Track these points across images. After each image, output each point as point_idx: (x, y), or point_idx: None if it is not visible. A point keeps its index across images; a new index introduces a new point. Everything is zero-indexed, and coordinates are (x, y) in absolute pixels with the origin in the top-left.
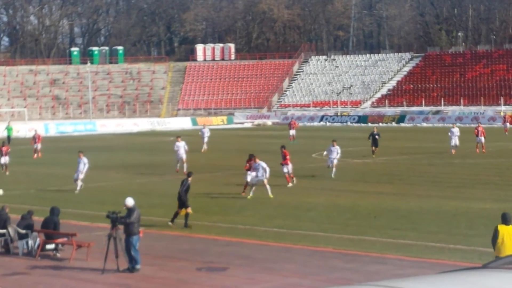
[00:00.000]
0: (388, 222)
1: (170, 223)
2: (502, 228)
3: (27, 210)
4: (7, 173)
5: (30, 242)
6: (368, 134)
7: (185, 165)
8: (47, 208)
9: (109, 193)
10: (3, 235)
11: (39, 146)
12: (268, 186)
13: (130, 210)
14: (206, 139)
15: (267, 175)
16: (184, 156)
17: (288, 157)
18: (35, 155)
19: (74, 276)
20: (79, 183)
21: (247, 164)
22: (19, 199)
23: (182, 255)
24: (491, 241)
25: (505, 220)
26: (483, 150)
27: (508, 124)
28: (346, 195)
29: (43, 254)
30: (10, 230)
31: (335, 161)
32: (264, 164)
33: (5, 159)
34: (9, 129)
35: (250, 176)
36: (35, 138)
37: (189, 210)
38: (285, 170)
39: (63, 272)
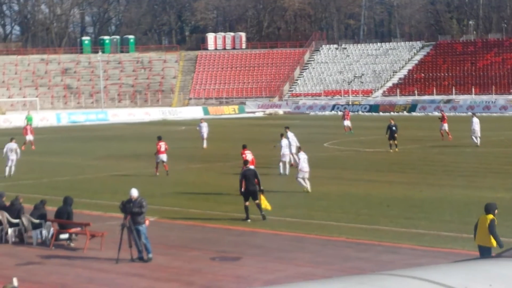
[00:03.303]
0: (401, 211)
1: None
2: (481, 217)
3: (40, 200)
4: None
5: (44, 231)
6: (385, 126)
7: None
8: (59, 198)
9: (121, 183)
10: (17, 225)
11: (32, 137)
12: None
13: (136, 200)
14: (205, 135)
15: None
16: (294, 150)
17: (158, 149)
18: (31, 146)
19: (88, 266)
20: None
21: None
22: (31, 189)
23: (195, 244)
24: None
25: (486, 210)
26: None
27: None
28: (358, 184)
29: (57, 244)
30: (24, 220)
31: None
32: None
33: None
34: (29, 118)
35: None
36: (26, 129)
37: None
38: (160, 159)
39: (77, 262)
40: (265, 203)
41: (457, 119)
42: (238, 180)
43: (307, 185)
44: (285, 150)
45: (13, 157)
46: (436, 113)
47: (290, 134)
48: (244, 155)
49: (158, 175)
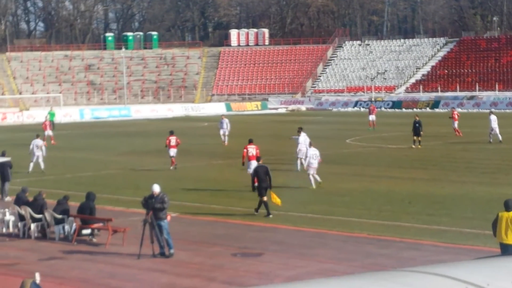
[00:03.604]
0: (423, 208)
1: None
2: (502, 214)
3: (63, 195)
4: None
5: (66, 227)
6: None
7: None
8: (82, 193)
9: (143, 179)
10: (39, 220)
11: (50, 132)
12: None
13: (158, 196)
14: (226, 132)
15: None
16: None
17: (167, 143)
18: (52, 141)
19: (110, 261)
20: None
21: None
22: (54, 184)
23: (217, 240)
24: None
25: (506, 207)
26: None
27: None
28: (380, 180)
29: (79, 239)
30: (47, 215)
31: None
32: (317, 152)
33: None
34: (51, 114)
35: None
36: (46, 125)
37: (265, 198)
38: (171, 154)
39: (99, 257)
40: (275, 198)
41: (480, 116)
42: None
43: (317, 178)
44: (302, 147)
45: (38, 153)
46: (460, 110)
47: (303, 135)
48: (245, 150)
49: (176, 169)
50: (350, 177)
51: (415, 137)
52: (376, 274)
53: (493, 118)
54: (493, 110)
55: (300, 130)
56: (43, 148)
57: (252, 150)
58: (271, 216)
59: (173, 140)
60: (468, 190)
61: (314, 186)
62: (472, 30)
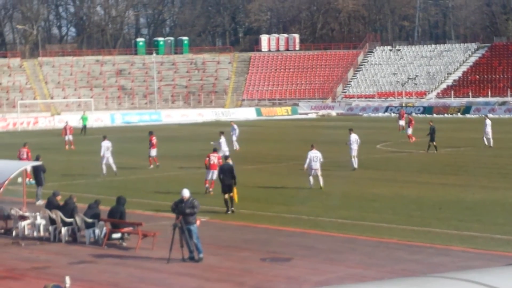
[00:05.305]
0: (453, 214)
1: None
2: None
3: (94, 200)
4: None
5: (97, 231)
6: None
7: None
8: (113, 198)
9: (174, 183)
10: (70, 224)
11: (71, 137)
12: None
13: (188, 201)
14: (234, 138)
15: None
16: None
17: (153, 143)
18: (67, 146)
19: (140, 265)
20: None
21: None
22: (85, 188)
23: (246, 245)
24: None
25: None
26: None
27: None
28: (410, 186)
29: (109, 243)
30: (77, 219)
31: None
32: (319, 154)
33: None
34: (84, 118)
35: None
36: (66, 130)
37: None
38: (152, 154)
39: (128, 261)
40: (235, 196)
41: None
42: (289, 180)
43: (320, 181)
44: (224, 147)
45: (108, 155)
46: (491, 115)
47: (222, 139)
48: (207, 158)
49: (151, 168)
50: (380, 182)
51: (430, 143)
52: (406, 280)
53: (488, 122)
54: (488, 115)
55: (351, 130)
56: (110, 149)
57: (214, 158)
58: (229, 212)
59: (154, 139)
60: (500, 196)
61: (312, 186)
62: (504, 36)
